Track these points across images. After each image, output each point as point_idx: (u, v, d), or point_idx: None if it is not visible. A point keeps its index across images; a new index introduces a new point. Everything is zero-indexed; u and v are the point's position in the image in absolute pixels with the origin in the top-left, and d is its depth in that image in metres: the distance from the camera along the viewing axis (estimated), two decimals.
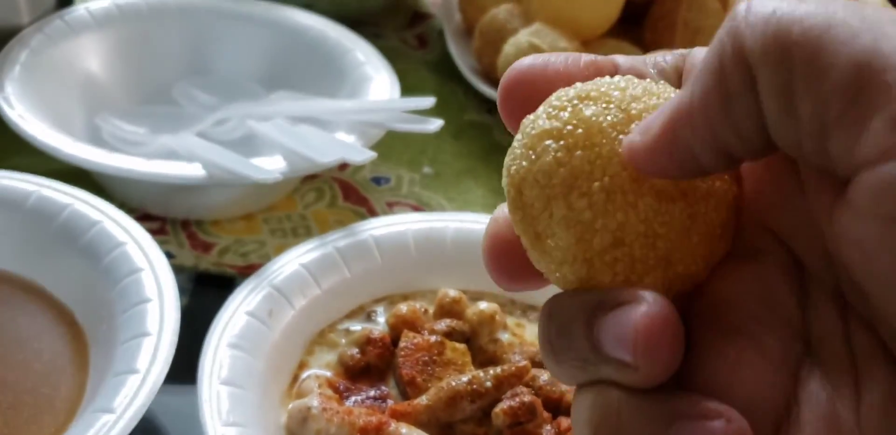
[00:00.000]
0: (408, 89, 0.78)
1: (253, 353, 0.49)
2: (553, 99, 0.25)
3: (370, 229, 0.58)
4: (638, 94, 0.25)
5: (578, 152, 0.24)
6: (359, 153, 0.60)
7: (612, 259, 0.24)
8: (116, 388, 0.46)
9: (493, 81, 0.80)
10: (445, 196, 0.72)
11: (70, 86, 0.70)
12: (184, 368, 0.48)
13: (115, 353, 0.49)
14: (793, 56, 0.21)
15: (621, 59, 0.28)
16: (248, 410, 0.46)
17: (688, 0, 0.78)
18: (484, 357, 0.53)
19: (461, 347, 0.52)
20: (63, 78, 0.70)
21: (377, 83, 0.71)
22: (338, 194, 0.70)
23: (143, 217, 0.65)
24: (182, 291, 0.53)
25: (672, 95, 0.25)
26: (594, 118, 0.24)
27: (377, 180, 0.73)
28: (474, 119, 0.82)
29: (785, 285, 0.24)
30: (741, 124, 0.22)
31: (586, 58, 0.27)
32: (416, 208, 0.70)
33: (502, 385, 0.49)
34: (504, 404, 0.48)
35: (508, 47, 0.76)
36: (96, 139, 0.68)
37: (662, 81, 0.26)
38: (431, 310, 0.56)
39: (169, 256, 0.59)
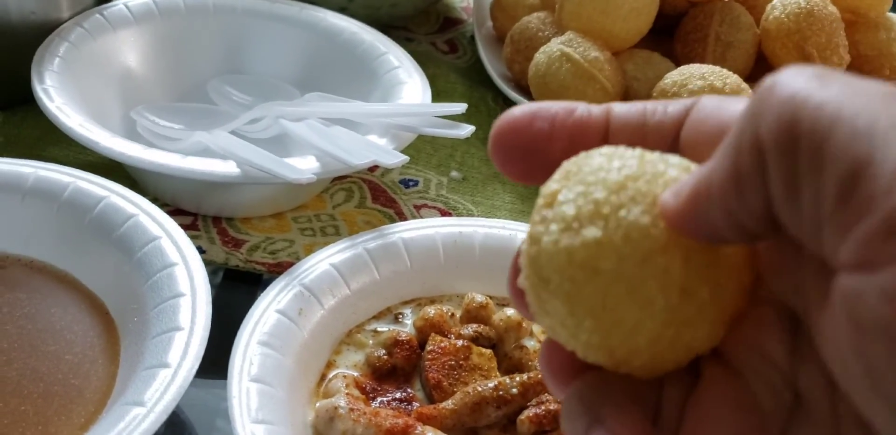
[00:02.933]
0: (437, 94, 0.79)
1: (282, 351, 0.50)
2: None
3: (400, 232, 0.58)
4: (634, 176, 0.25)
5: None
6: (391, 156, 0.61)
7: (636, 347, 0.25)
8: (147, 381, 0.46)
9: (523, 88, 0.81)
10: (472, 200, 0.73)
11: (107, 79, 0.71)
12: (210, 363, 0.49)
13: (147, 346, 0.49)
14: (800, 146, 0.21)
15: (618, 111, 0.28)
16: (276, 407, 0.47)
17: (720, 13, 0.78)
18: (509, 363, 0.53)
19: (487, 352, 0.53)
20: (101, 72, 0.70)
21: (409, 87, 0.71)
22: (367, 195, 0.71)
23: (175, 212, 0.66)
24: (211, 286, 0.54)
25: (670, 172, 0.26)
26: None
27: (405, 183, 0.73)
28: None
29: (777, 336, 0.25)
30: (752, 206, 0.22)
31: (578, 113, 0.28)
32: (444, 212, 0.71)
33: (528, 392, 0.49)
34: (529, 412, 0.48)
35: (540, 55, 0.76)
36: (131, 132, 0.69)
37: (657, 154, 0.26)
38: (458, 314, 0.56)
39: (200, 251, 0.60)
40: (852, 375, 0.21)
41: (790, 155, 0.21)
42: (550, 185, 0.26)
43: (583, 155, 0.26)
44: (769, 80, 0.22)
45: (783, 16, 0.75)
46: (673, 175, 0.25)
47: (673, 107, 0.28)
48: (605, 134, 0.28)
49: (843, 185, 0.20)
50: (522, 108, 0.28)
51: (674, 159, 0.26)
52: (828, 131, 0.20)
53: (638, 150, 0.26)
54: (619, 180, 0.25)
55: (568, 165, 0.26)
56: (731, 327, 0.26)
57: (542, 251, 0.25)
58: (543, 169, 0.27)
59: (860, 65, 0.79)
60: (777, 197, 0.22)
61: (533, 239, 0.25)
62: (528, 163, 0.28)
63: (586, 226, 0.24)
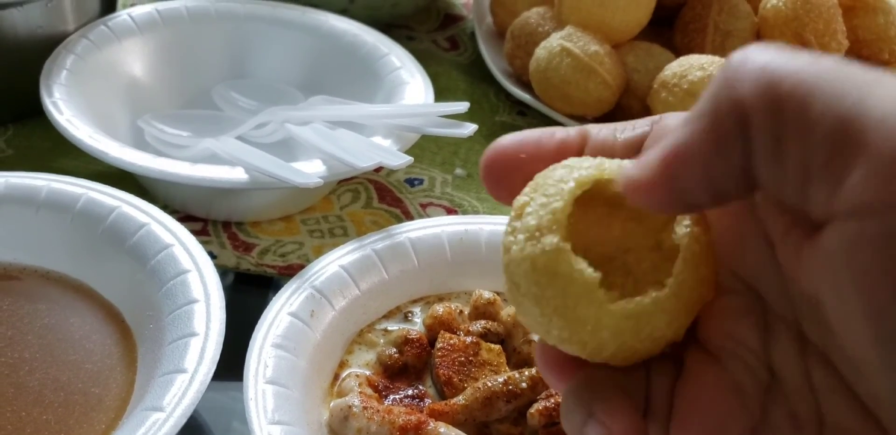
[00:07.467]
0: (440, 91, 0.79)
1: (296, 352, 0.51)
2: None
3: (406, 232, 0.59)
4: None
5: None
6: (396, 158, 0.61)
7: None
8: (165, 387, 0.47)
9: (525, 84, 0.82)
10: (477, 197, 0.74)
11: (114, 89, 0.72)
12: (224, 366, 0.50)
13: (163, 352, 0.50)
14: (784, 106, 0.23)
15: (593, 131, 0.30)
16: (292, 408, 0.48)
17: (719, 3, 0.79)
18: (518, 358, 0.54)
19: (496, 348, 0.54)
20: (107, 82, 0.71)
21: (412, 87, 0.72)
22: (373, 196, 0.72)
23: (185, 218, 0.67)
24: (223, 290, 0.54)
25: None
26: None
27: (411, 182, 0.74)
28: (506, 121, 0.83)
29: (747, 320, 0.27)
30: (731, 163, 0.24)
31: (558, 136, 0.30)
32: (449, 209, 0.72)
33: (537, 386, 0.50)
34: (539, 405, 0.49)
35: (540, 50, 0.77)
36: (139, 141, 0.70)
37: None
38: (466, 311, 0.57)
39: (211, 256, 0.61)
40: (855, 316, 0.22)
41: (775, 116, 0.23)
42: (520, 199, 0.28)
43: (550, 168, 0.28)
44: (739, 54, 0.24)
45: (781, 3, 0.75)
46: None
47: (640, 123, 0.30)
48: (581, 153, 0.30)
49: (833, 140, 0.22)
50: (509, 138, 0.30)
51: (630, 164, 0.27)
52: (809, 93, 0.22)
53: (598, 159, 0.28)
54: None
55: (537, 178, 0.28)
56: (706, 317, 0.28)
57: (512, 259, 0.27)
58: None
59: (858, 49, 0.79)
60: (761, 155, 0.23)
61: (505, 248, 0.28)
62: (517, 187, 0.30)
63: (546, 234, 0.26)
